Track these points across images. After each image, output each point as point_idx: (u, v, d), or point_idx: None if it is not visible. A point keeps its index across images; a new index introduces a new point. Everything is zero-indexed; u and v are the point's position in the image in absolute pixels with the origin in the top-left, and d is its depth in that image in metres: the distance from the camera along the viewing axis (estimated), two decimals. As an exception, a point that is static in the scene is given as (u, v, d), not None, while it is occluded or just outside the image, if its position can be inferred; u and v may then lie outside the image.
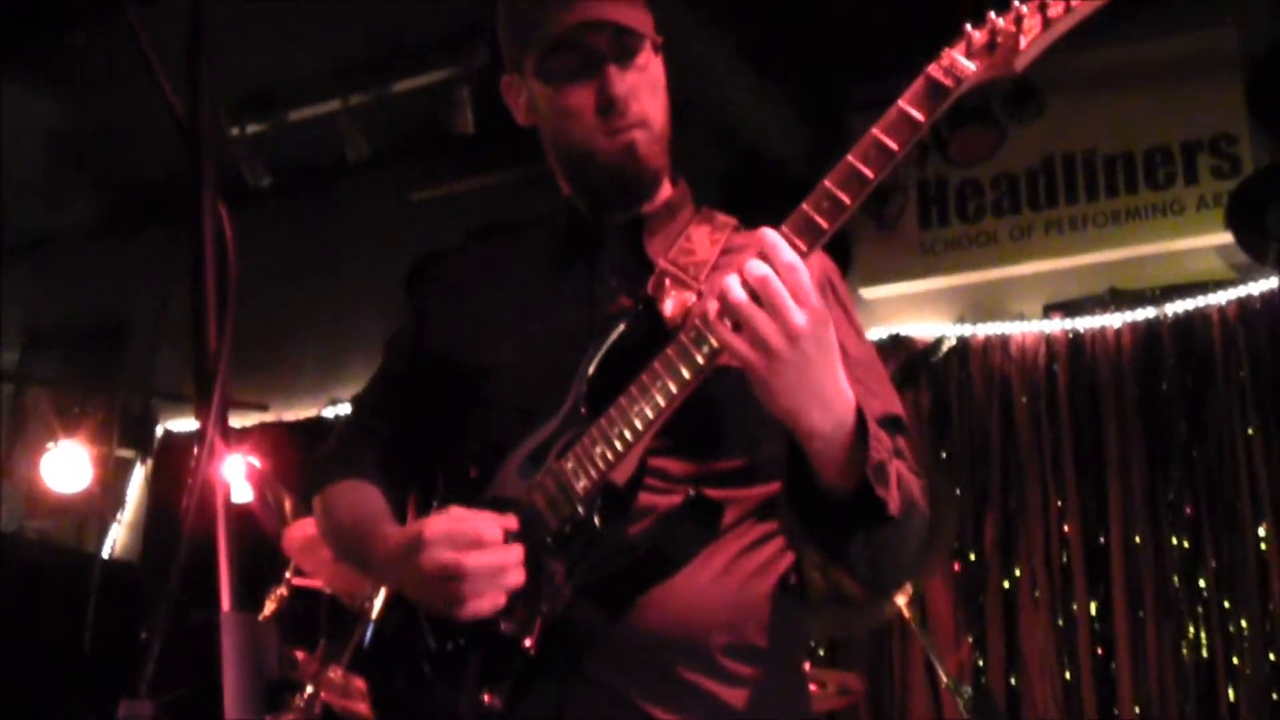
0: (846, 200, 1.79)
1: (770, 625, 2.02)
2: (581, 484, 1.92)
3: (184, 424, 8.06)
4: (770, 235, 1.74)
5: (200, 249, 1.23)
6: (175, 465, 7.79)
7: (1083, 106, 5.98)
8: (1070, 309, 5.91)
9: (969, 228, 6.21)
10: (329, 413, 7.48)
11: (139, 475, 8.14)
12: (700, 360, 1.84)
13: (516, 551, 1.89)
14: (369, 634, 2.18)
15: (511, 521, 1.93)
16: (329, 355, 7.68)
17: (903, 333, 6.14)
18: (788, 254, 1.72)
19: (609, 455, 1.90)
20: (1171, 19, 5.59)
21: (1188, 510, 5.43)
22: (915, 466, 2.02)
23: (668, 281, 2.04)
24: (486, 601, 1.87)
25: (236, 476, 6.58)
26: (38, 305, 8.93)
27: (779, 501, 2.00)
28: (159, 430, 8.15)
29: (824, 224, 1.79)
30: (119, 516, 8.00)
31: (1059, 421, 5.78)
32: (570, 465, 1.93)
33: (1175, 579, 5.38)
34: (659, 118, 2.15)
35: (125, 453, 8.05)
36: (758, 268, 1.72)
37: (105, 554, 7.76)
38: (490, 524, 1.90)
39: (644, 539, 1.91)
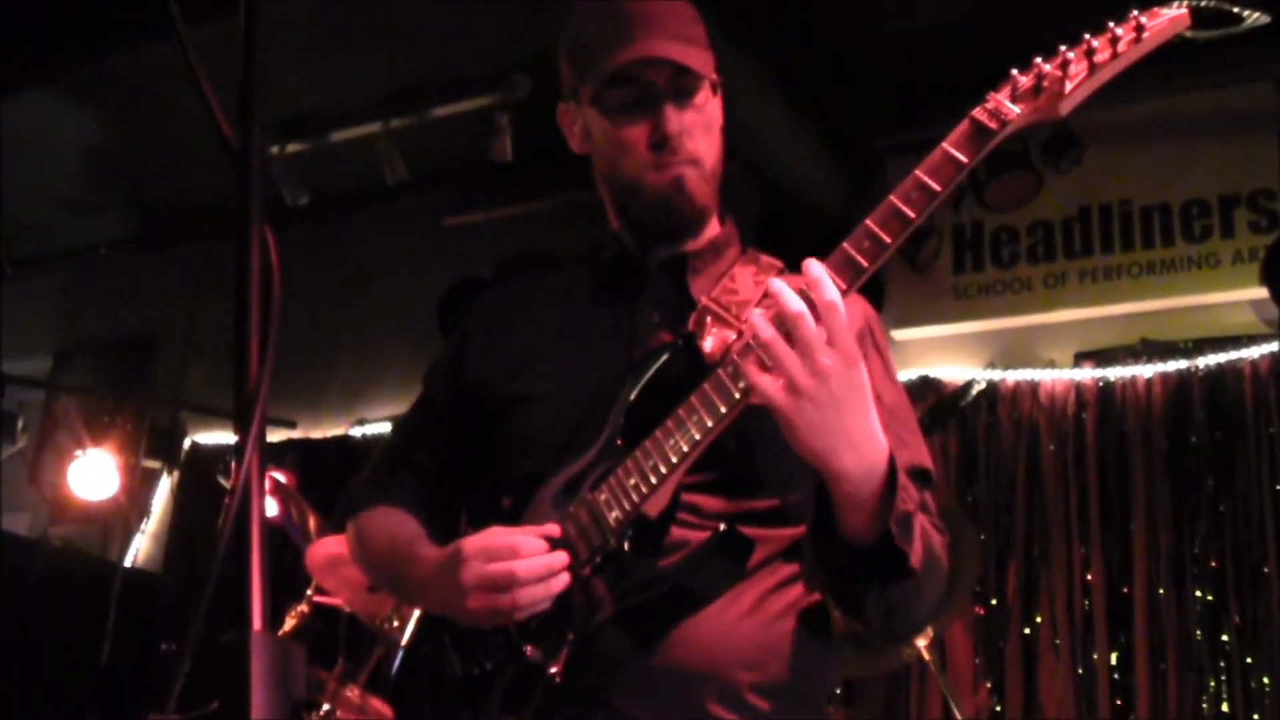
0: (887, 240, 1.79)
1: (796, 665, 2.01)
2: (614, 515, 1.92)
3: (211, 436, 8.10)
4: (816, 269, 1.73)
5: (245, 274, 1.23)
6: (201, 477, 7.81)
7: (1121, 157, 5.98)
8: (1101, 358, 5.89)
9: (1003, 273, 6.21)
10: (356, 432, 7.51)
11: (165, 486, 8.18)
12: (736, 395, 1.84)
13: (561, 557, 1.91)
14: (398, 660, 2.18)
15: (553, 529, 1.94)
16: (357, 376, 7.71)
17: (933, 375, 6.13)
18: (829, 292, 1.71)
19: (643, 488, 1.91)
20: (1212, 73, 5.58)
21: (1213, 564, 5.39)
22: (939, 522, 2.02)
23: (709, 319, 2.05)
24: (530, 608, 1.89)
25: (266, 490, 6.62)
26: (70, 315, 9.02)
27: (803, 542, 1.99)
28: (186, 442, 8.19)
29: (864, 263, 1.79)
30: (143, 526, 8.03)
31: (1086, 470, 5.75)
32: (604, 496, 1.94)
33: (1198, 633, 5.34)
34: (710, 157, 2.17)
35: (152, 463, 8.09)
36: (793, 304, 1.72)
37: (128, 563, 7.79)
38: (528, 537, 1.92)
39: (675, 571, 1.92)
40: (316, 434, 7.62)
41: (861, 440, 1.76)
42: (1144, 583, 5.49)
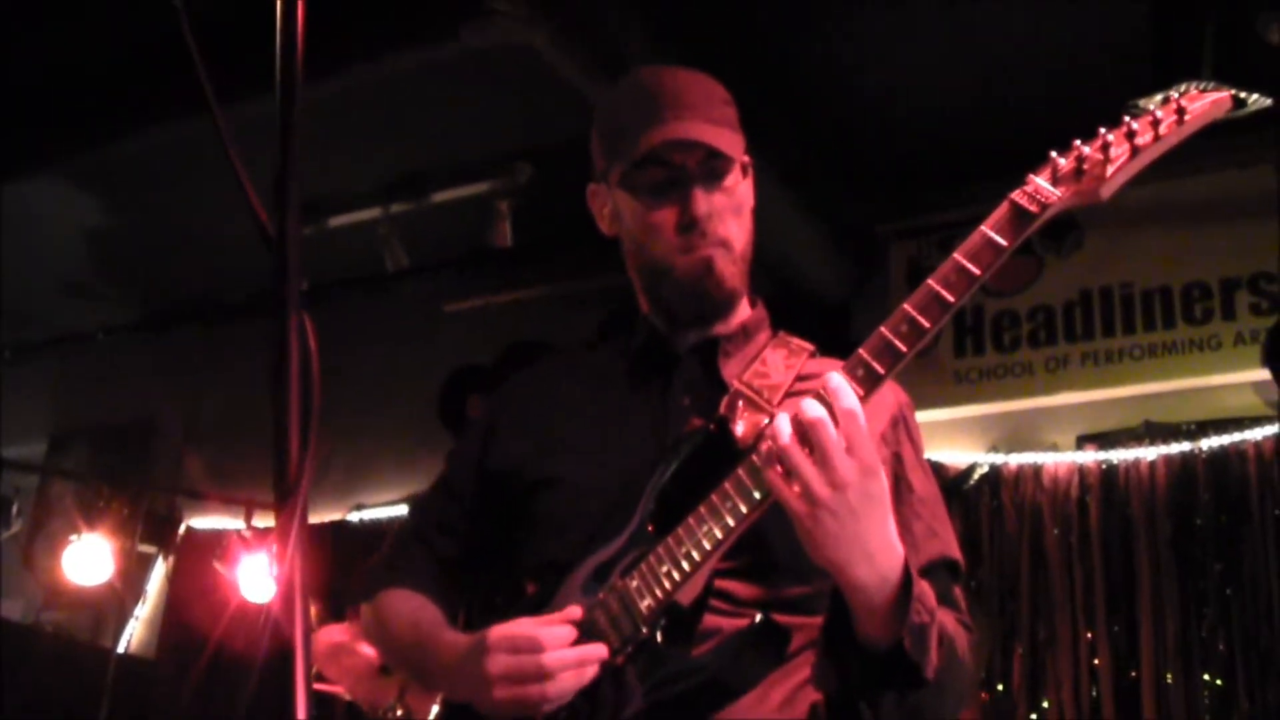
0: (926, 324, 1.78)
1: None
2: (646, 603, 1.90)
3: (207, 521, 8.05)
4: (834, 379, 1.73)
5: (284, 365, 1.22)
6: (197, 562, 7.74)
7: (1121, 241, 6.00)
8: (1104, 441, 5.87)
9: (1004, 357, 6.22)
10: (353, 517, 7.47)
11: (159, 571, 8.11)
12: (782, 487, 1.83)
13: (597, 649, 1.88)
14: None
15: (575, 612, 1.92)
16: (355, 461, 7.67)
17: (935, 459, 6.11)
18: (847, 400, 1.71)
19: (675, 575, 1.88)
20: (1211, 157, 5.62)
21: (1221, 649, 5.35)
22: (966, 618, 2.00)
23: (741, 403, 2.03)
24: (557, 700, 1.87)
25: (261, 574, 6.56)
26: (66, 400, 9.01)
27: (818, 644, 1.97)
28: (181, 527, 8.13)
29: (903, 347, 1.78)
30: (136, 612, 7.96)
31: (1090, 553, 5.71)
32: (635, 584, 1.91)
33: (1207, 718, 5.28)
34: (740, 241, 2.17)
35: (147, 548, 8.03)
36: (812, 410, 1.71)
37: (121, 649, 7.71)
38: (554, 627, 1.89)
39: (710, 661, 1.88)
40: (313, 519, 7.56)
41: (877, 550, 1.74)
42: (1151, 667, 5.44)
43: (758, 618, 1.91)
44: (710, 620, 1.93)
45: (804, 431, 1.72)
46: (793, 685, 1.98)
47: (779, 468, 1.74)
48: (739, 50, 5.29)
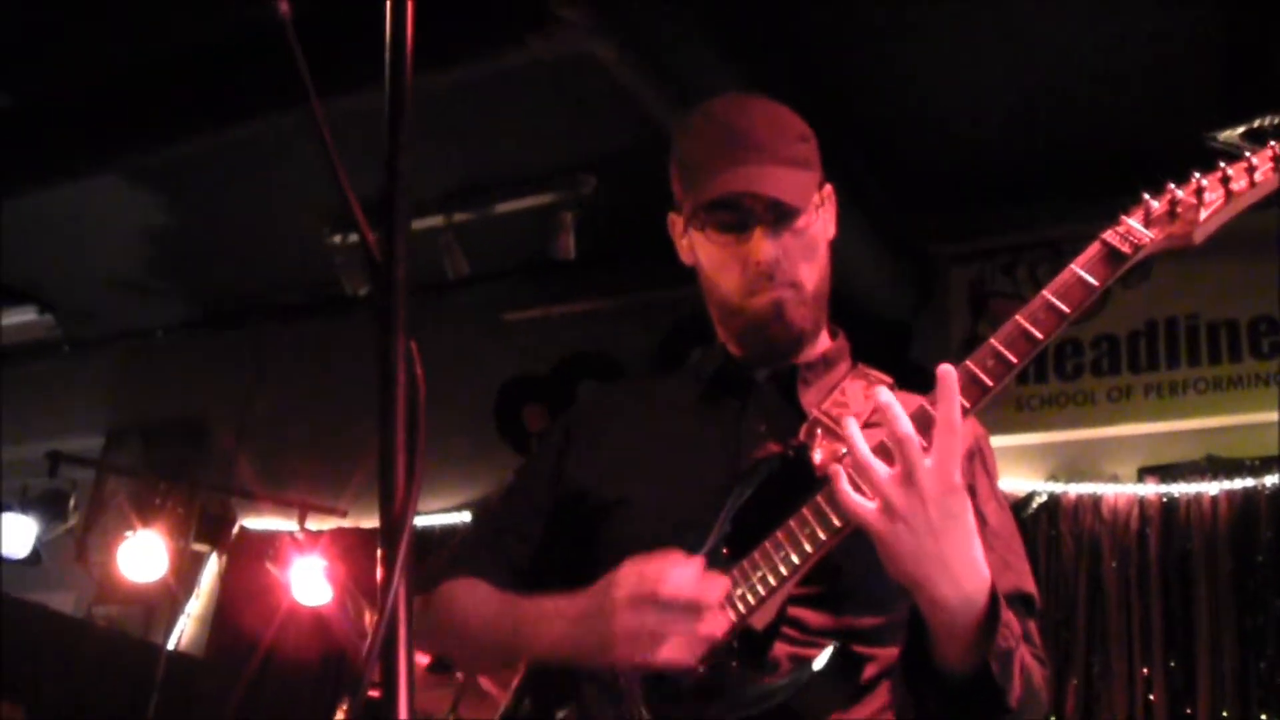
0: (1014, 360, 1.78)
1: None
2: (720, 628, 1.88)
3: (260, 522, 8.08)
4: (950, 382, 1.72)
5: (390, 389, 1.21)
6: (248, 562, 7.78)
7: (1188, 272, 5.93)
8: (1166, 474, 5.80)
9: (1066, 386, 6.17)
10: (406, 523, 7.47)
11: (212, 569, 8.15)
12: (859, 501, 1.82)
13: (722, 582, 1.86)
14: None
15: (699, 562, 1.90)
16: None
17: (995, 486, 6.05)
18: (954, 411, 1.70)
19: (750, 599, 1.86)
20: (1281, 190, 5.56)
21: None
22: (1041, 653, 1.98)
23: (819, 431, 2.02)
24: (675, 651, 1.84)
25: (317, 576, 6.59)
26: (123, 396, 9.08)
27: (895, 671, 1.94)
28: (235, 527, 8.17)
29: (990, 382, 1.78)
30: (188, 609, 8.00)
31: (1149, 587, 5.64)
32: None
33: (1263, 758, 5.22)
34: (812, 280, 2.15)
35: (200, 546, 8.07)
36: (902, 425, 1.70)
37: (171, 646, 7.75)
38: (683, 562, 1.87)
39: (782, 688, 1.86)
40: (367, 523, 7.59)
41: (960, 569, 1.72)
42: (1208, 705, 5.36)
43: (833, 646, 1.89)
44: (781, 648, 1.91)
45: (885, 448, 1.71)
46: (866, 716, 1.96)
47: (851, 481, 1.73)
48: (799, 67, 5.28)
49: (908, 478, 1.68)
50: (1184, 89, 5.35)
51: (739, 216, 2.10)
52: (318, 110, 1.31)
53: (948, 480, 1.69)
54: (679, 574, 1.85)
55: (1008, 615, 1.79)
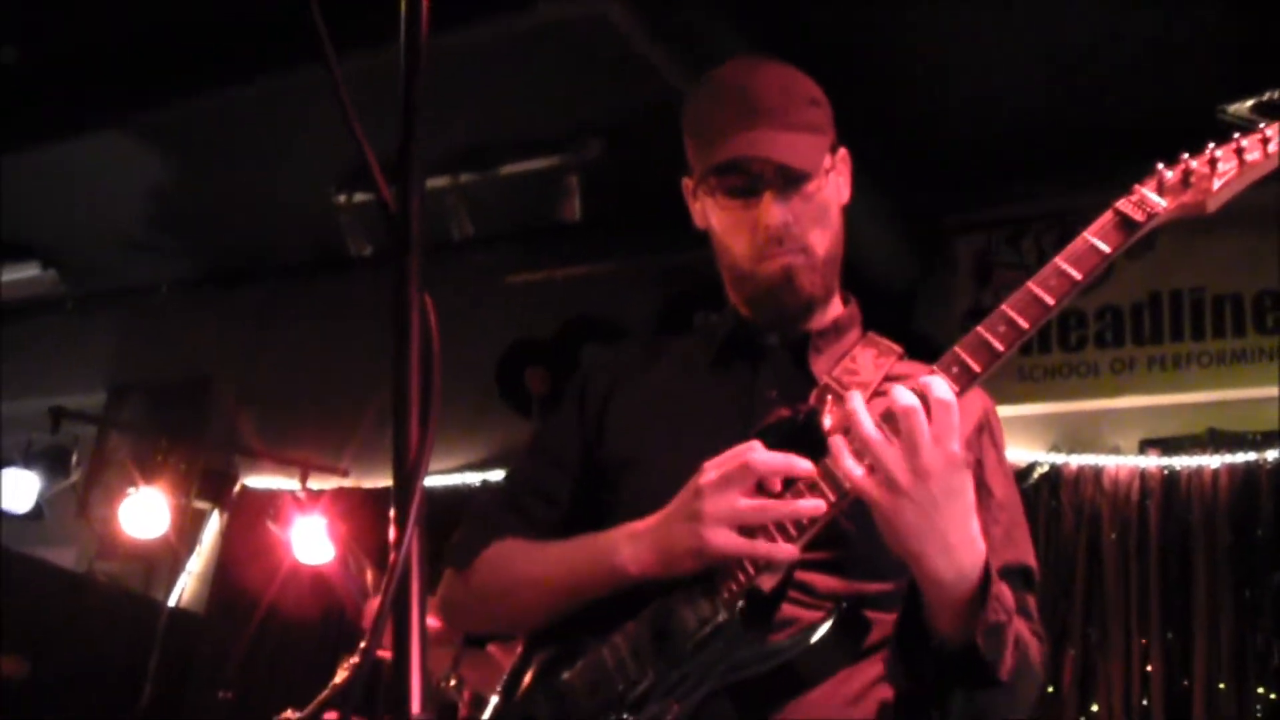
0: (1025, 325, 1.80)
1: None
2: (728, 585, 1.90)
3: (262, 480, 8.11)
4: (931, 376, 1.75)
5: (404, 343, 1.21)
6: (250, 520, 7.81)
7: (1194, 245, 5.92)
8: (1167, 446, 5.81)
9: (1069, 357, 6.17)
10: (408, 483, 7.46)
11: (213, 526, 8.18)
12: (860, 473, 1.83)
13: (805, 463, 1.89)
14: None
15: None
16: (412, 427, 7.69)
17: (997, 457, 6.05)
18: (944, 391, 1.72)
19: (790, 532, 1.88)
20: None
21: (1276, 661, 5.30)
22: (1039, 628, 2.00)
23: (830, 397, 2.03)
24: (766, 544, 1.87)
25: (320, 535, 6.61)
26: (127, 353, 9.08)
27: (889, 641, 1.96)
28: (237, 485, 8.19)
29: (1000, 346, 1.80)
30: (189, 566, 8.03)
31: (1148, 559, 5.65)
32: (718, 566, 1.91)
33: (1258, 731, 5.24)
34: (822, 245, 2.15)
35: (201, 504, 8.10)
36: (905, 398, 1.71)
37: (172, 603, 7.78)
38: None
39: (787, 646, 1.88)
40: (369, 484, 7.61)
41: (958, 544, 1.75)
42: (1204, 677, 5.38)
43: (838, 607, 1.91)
44: (788, 610, 1.92)
45: (891, 419, 1.72)
46: (865, 681, 1.97)
47: (854, 452, 1.75)
48: (808, 33, 5.25)
49: (912, 454, 1.70)
50: (1194, 62, 5.33)
51: (748, 181, 2.10)
52: (333, 66, 1.31)
53: (951, 456, 1.71)
54: (762, 451, 1.89)
55: (1000, 589, 1.80)
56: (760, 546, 1.86)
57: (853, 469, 1.75)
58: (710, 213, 2.19)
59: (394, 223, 1.27)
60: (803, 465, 1.88)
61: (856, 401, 1.77)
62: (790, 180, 2.10)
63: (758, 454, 1.87)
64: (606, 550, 2.00)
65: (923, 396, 1.72)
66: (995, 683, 1.79)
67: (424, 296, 1.25)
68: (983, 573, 1.76)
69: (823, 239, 2.15)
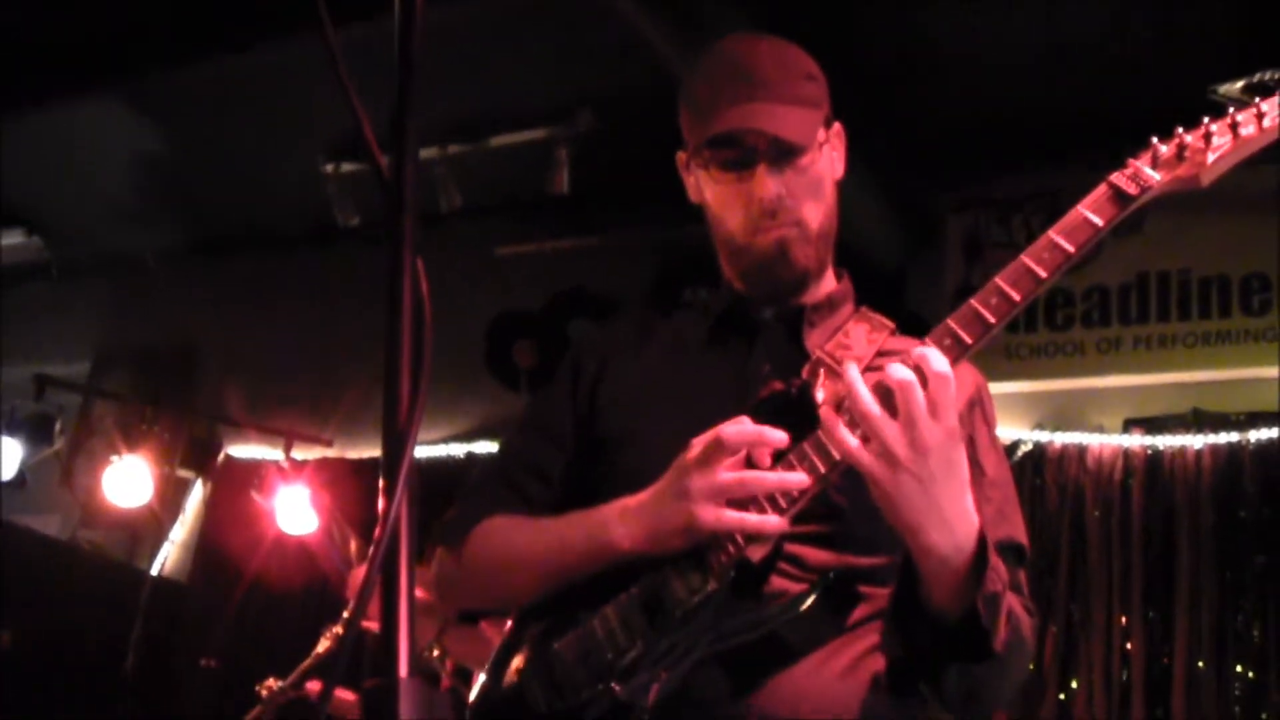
0: (1017, 298, 1.80)
1: None
2: (719, 556, 1.90)
3: (246, 450, 8.09)
4: (926, 347, 1.75)
5: (397, 307, 1.21)
6: (234, 490, 7.80)
7: (1182, 226, 5.92)
8: (1152, 426, 5.83)
9: (1056, 336, 6.18)
10: (392, 455, 7.46)
11: (197, 496, 8.17)
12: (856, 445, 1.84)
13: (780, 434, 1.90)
14: (475, 694, 2.14)
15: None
16: (397, 399, 7.68)
17: (980, 433, 6.07)
18: (940, 364, 1.72)
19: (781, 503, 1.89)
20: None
21: (1256, 641, 5.33)
22: (1029, 603, 2.00)
23: (822, 371, 2.03)
24: (755, 511, 1.88)
25: (303, 505, 6.60)
26: (112, 321, 9.05)
27: (885, 613, 1.96)
28: (221, 455, 8.17)
29: (992, 319, 1.81)
30: (172, 536, 8.02)
31: (1130, 538, 5.69)
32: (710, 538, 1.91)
33: (1237, 709, 5.27)
34: (816, 219, 2.16)
35: (185, 473, 8.09)
36: (900, 372, 1.71)
37: (155, 572, 7.78)
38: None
39: (775, 615, 1.89)
40: (353, 454, 7.60)
41: (954, 517, 1.75)
42: (1184, 655, 5.42)
43: (825, 578, 1.91)
44: (778, 582, 1.93)
45: (886, 393, 1.72)
46: (855, 654, 1.97)
47: (849, 428, 1.75)
48: (803, 10, 5.23)
49: (910, 427, 1.70)
50: (1188, 43, 5.32)
51: (742, 154, 2.10)
52: (329, 33, 1.30)
53: (949, 429, 1.71)
54: (735, 424, 1.89)
55: (995, 561, 1.81)
56: (749, 520, 1.87)
57: (848, 440, 1.75)
58: (705, 186, 2.19)
59: (388, 186, 1.27)
60: (775, 435, 1.88)
61: (853, 373, 1.77)
62: (784, 153, 2.10)
63: (728, 427, 1.88)
64: (598, 527, 2.01)
65: (918, 370, 1.72)
66: (990, 655, 1.80)
67: (417, 261, 1.24)
68: (977, 544, 1.77)
69: (816, 212, 2.15)
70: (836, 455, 1.83)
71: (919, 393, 1.70)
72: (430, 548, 2.27)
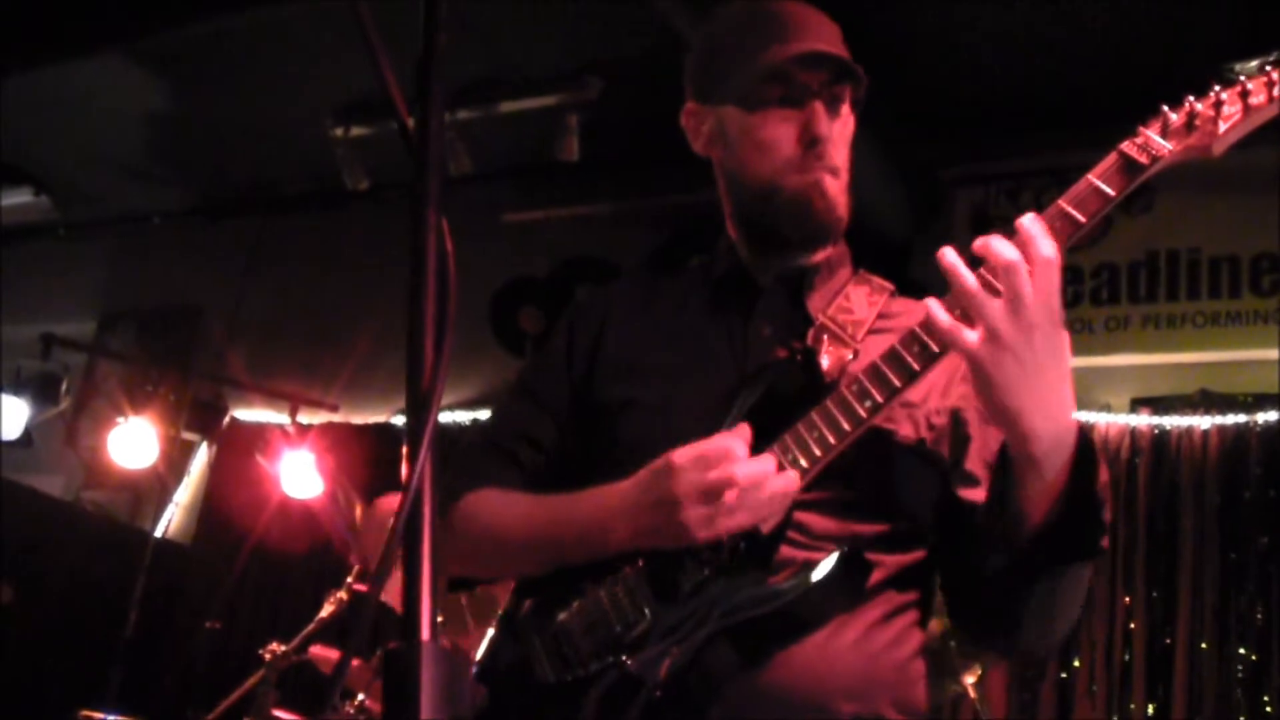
0: None
1: (899, 700, 1.96)
2: None
3: (251, 413, 8.09)
4: (1033, 223, 1.69)
5: (421, 266, 1.19)
6: (238, 453, 7.81)
7: (1193, 206, 5.90)
8: (1159, 405, 5.82)
9: (1064, 312, 6.14)
10: (398, 420, 7.48)
11: (201, 458, 8.17)
12: (862, 414, 1.83)
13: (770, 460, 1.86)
14: (478, 664, 2.12)
15: (746, 432, 1.89)
16: (401, 365, 7.64)
17: (985, 409, 6.06)
18: (1047, 248, 1.66)
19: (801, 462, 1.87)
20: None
21: (1259, 622, 5.32)
22: None
23: (825, 337, 2.01)
24: (748, 515, 1.84)
25: (308, 469, 6.60)
26: (118, 281, 9.05)
27: (912, 571, 1.94)
28: (226, 417, 8.17)
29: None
30: (176, 497, 8.03)
31: (1135, 517, 5.67)
32: None
33: (1238, 691, 5.27)
34: (846, 174, 2.13)
35: (190, 435, 8.09)
36: (1008, 253, 1.65)
37: (159, 534, 7.79)
38: (736, 440, 1.86)
39: (787, 589, 1.86)
40: (358, 419, 7.60)
41: (1056, 406, 1.69)
42: (1186, 635, 5.42)
43: (839, 550, 1.88)
44: (786, 551, 1.90)
45: (989, 276, 1.67)
46: (869, 621, 1.95)
47: (955, 314, 1.69)
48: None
49: (1015, 306, 1.64)
50: (1197, 18, 5.29)
51: (792, 92, 2.07)
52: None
53: (1054, 313, 1.66)
54: (739, 460, 1.85)
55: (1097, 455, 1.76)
56: (737, 523, 1.85)
57: (950, 324, 1.68)
58: (734, 129, 2.13)
59: (412, 144, 1.25)
60: (770, 464, 1.86)
61: (952, 256, 1.69)
62: (834, 99, 2.08)
63: (739, 469, 1.84)
64: (594, 528, 1.97)
65: (1024, 251, 1.66)
66: (1095, 551, 1.76)
67: (442, 220, 1.22)
68: (1078, 439, 1.71)
69: (846, 167, 2.13)
70: (847, 427, 1.81)
71: (1024, 273, 1.64)
72: None
